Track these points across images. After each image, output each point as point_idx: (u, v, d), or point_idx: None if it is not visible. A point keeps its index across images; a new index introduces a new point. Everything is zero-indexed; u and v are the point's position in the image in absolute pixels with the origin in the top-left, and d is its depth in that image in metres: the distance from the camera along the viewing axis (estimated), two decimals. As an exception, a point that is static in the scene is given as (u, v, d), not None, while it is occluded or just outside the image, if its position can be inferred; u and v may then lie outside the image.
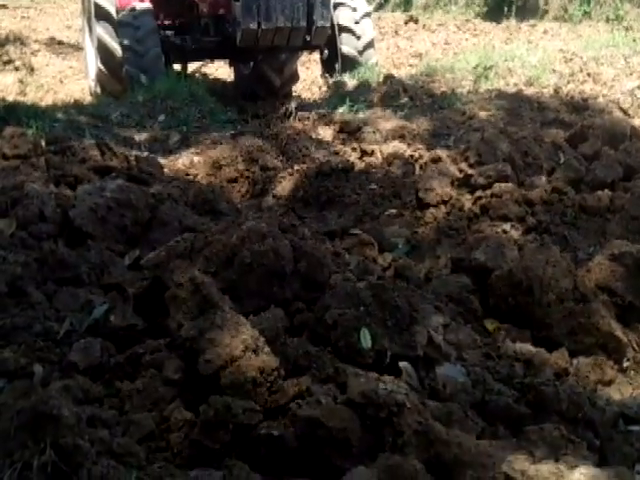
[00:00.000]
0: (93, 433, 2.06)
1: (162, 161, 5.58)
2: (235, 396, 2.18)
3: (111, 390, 2.38)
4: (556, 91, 7.55)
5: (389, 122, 6.43)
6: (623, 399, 2.70)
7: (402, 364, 2.46)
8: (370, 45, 9.72)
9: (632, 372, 3.03)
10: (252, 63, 10.52)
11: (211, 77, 12.09)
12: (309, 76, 11.84)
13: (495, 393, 2.50)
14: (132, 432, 2.14)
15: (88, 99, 9.64)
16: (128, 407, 2.29)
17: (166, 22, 9.73)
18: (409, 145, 5.68)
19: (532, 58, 8.93)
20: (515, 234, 4.01)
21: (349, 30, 9.53)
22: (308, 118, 6.80)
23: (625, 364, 3.04)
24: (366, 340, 2.50)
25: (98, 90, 9.56)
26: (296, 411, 2.13)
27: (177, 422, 2.17)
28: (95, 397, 2.35)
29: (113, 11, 8.95)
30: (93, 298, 3.02)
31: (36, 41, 14.74)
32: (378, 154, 5.47)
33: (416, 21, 17.15)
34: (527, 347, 3.04)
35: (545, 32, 14.26)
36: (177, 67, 10.23)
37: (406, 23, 17.05)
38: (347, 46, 9.53)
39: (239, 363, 2.25)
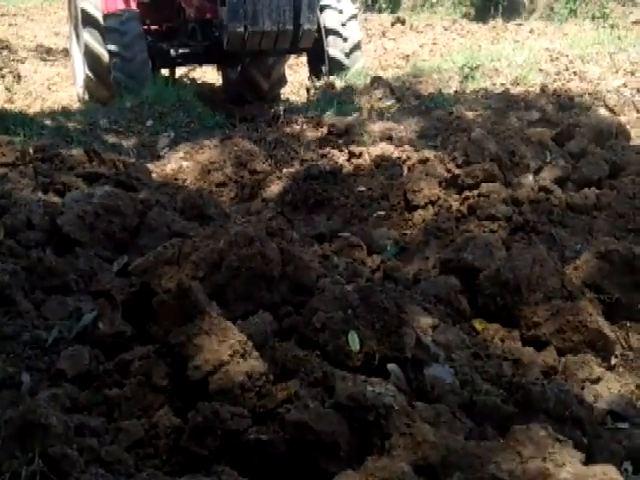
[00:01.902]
0: (82, 441, 2.06)
1: (150, 166, 5.57)
2: (223, 401, 2.18)
3: (99, 398, 2.38)
4: (542, 90, 7.57)
5: (377, 124, 6.44)
6: (611, 396, 2.72)
7: (390, 366, 2.47)
8: (357, 47, 9.74)
9: (620, 369, 3.05)
10: (240, 67, 10.52)
11: (199, 81, 12.08)
12: (297, 79, 11.84)
13: (483, 393, 2.51)
14: (121, 440, 2.14)
15: (76, 106, 9.62)
16: (117, 414, 2.30)
17: (153, 27, 9.72)
18: (397, 147, 5.68)
19: (518, 58, 8.98)
20: (503, 233, 4.03)
21: (336, 33, 9.54)
22: (296, 121, 6.80)
23: (613, 361, 3.07)
24: (354, 343, 2.51)
25: (86, 96, 9.56)
26: (284, 415, 2.13)
27: (166, 429, 2.17)
28: (84, 405, 2.35)
29: (100, 17, 8.94)
30: (81, 305, 3.01)
31: (24, 48, 14.70)
32: (366, 156, 5.48)
33: (403, 22, 17.18)
34: (515, 346, 3.06)
35: (531, 31, 14.32)
36: (165, 72, 10.23)
37: (393, 24, 17.08)
38: (334, 49, 9.55)
39: (227, 368, 2.26)
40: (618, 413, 2.58)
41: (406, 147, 5.62)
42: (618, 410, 2.59)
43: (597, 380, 2.84)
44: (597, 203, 4.38)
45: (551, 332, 3.11)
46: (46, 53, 14.68)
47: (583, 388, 2.75)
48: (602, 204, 4.36)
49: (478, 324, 3.27)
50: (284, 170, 5.41)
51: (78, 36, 9.82)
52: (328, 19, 9.54)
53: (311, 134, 6.45)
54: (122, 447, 2.10)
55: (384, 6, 20.40)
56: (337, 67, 9.49)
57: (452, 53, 10.62)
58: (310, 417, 2.08)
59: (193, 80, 11.97)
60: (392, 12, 19.66)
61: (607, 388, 2.81)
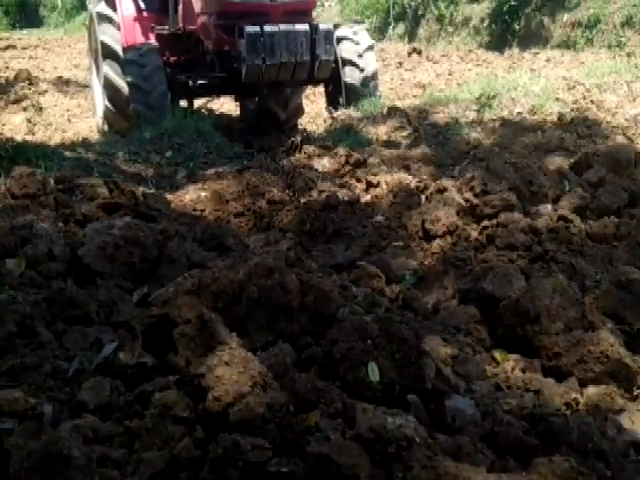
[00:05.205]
0: (104, 473, 2.06)
1: (169, 197, 5.62)
2: (244, 433, 2.18)
3: (121, 429, 2.38)
4: (560, 119, 7.59)
5: (394, 153, 6.48)
6: (634, 428, 2.68)
7: (410, 397, 2.46)
8: (373, 77, 9.82)
9: (643, 400, 3.02)
10: (257, 98, 10.63)
11: (217, 112, 12.20)
12: (314, 109, 11.94)
13: (505, 425, 2.49)
14: (142, 471, 2.14)
15: (96, 137, 9.75)
16: (138, 446, 2.29)
17: (172, 59, 9.85)
18: (414, 176, 5.71)
19: (535, 87, 9.00)
20: (522, 263, 4.01)
21: (352, 63, 9.64)
22: (313, 151, 6.86)
23: (635, 392, 3.03)
24: (374, 374, 2.50)
25: (106, 128, 9.68)
26: (305, 447, 2.13)
27: (186, 460, 2.17)
28: (105, 436, 2.35)
29: (119, 50, 9.10)
30: (102, 336, 3.03)
31: (44, 80, 14.93)
32: (384, 185, 5.50)
33: (419, 52, 17.30)
34: (536, 377, 3.04)
35: (548, 60, 14.35)
36: (183, 103, 10.35)
37: (409, 54, 17.20)
38: (351, 79, 9.64)
39: (247, 400, 2.25)
40: (642, 445, 2.55)
41: (423, 177, 5.64)
42: (642, 442, 2.56)
43: (620, 411, 2.81)
44: (616, 232, 4.37)
45: (572, 363, 3.09)
46: (66, 85, 14.89)
47: (606, 419, 2.72)
48: (621, 233, 4.34)
49: (498, 354, 3.25)
50: (302, 200, 5.44)
51: (98, 68, 9.98)
52: (345, 50, 9.65)
53: (328, 164, 6.49)
54: (143, 479, 2.10)
55: (400, 37, 20.57)
56: (354, 97, 9.57)
57: (468, 83, 10.68)
58: (331, 449, 2.07)
59: (211, 111, 12.10)
60: (409, 42, 19.79)
61: (630, 419, 2.78)
